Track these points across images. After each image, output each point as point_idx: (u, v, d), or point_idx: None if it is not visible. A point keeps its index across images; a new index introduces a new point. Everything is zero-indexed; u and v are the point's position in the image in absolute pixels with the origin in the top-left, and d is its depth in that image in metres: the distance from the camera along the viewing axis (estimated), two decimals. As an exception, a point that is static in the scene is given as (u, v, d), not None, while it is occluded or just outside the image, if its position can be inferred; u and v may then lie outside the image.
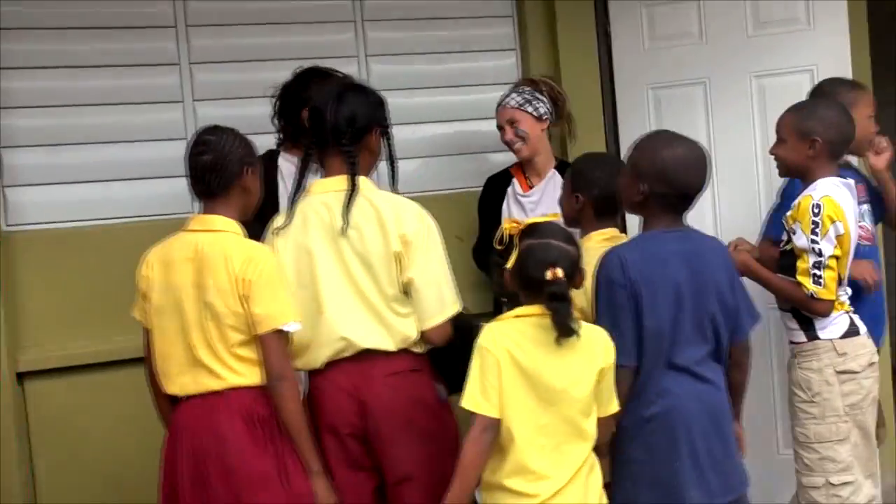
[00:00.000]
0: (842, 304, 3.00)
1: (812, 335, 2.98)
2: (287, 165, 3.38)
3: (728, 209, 4.00)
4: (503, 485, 2.33)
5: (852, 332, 2.99)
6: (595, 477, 2.41)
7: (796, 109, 3.02)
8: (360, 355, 2.61)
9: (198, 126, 3.68)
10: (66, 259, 3.61)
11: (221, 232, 2.56)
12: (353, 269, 2.61)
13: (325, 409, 2.64)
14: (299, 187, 2.71)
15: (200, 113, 3.75)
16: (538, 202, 3.56)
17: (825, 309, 2.92)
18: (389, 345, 2.62)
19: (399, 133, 3.94)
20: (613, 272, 2.54)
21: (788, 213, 2.96)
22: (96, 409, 3.57)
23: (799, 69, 3.86)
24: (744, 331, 2.70)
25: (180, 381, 2.57)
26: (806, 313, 2.96)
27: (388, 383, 2.62)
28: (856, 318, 3.04)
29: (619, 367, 2.44)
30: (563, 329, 2.30)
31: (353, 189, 2.61)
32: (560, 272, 2.31)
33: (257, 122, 3.39)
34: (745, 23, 3.93)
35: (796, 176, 3.06)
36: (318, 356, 2.63)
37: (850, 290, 3.06)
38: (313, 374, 2.67)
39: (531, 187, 3.61)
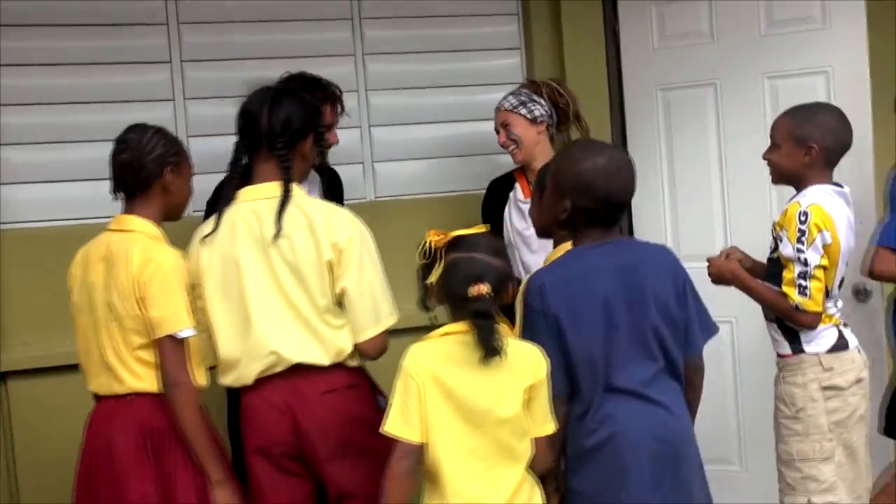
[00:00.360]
0: (830, 316, 2.85)
1: (797, 348, 2.83)
2: None
3: (737, 214, 3.84)
4: None
5: (840, 346, 2.83)
6: (537, 498, 2.28)
7: (793, 113, 2.88)
8: (293, 370, 2.50)
9: (188, 124, 3.69)
10: (54, 258, 3.55)
11: (132, 232, 2.50)
12: (283, 279, 2.50)
13: (256, 428, 2.54)
14: (224, 195, 2.61)
15: (192, 111, 3.69)
16: None
17: (811, 321, 2.77)
18: (323, 359, 2.51)
19: (397, 134, 3.93)
20: (532, 298, 2.38)
21: (776, 220, 2.82)
22: (80, 409, 3.52)
23: (813, 70, 3.68)
24: (695, 346, 2.50)
25: (97, 381, 2.55)
26: (791, 325, 2.81)
27: (324, 402, 2.51)
28: (846, 331, 2.89)
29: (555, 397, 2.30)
30: (488, 348, 2.17)
31: (286, 196, 2.51)
32: (485, 288, 2.18)
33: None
34: (758, 21, 3.76)
35: (789, 183, 2.92)
36: (249, 371, 2.52)
37: (841, 303, 2.91)
38: (244, 391, 2.56)
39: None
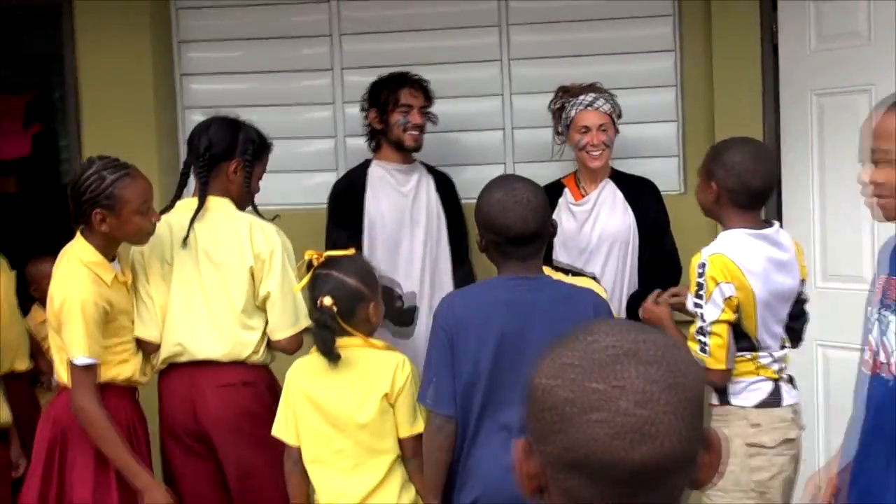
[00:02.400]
0: (763, 367, 2.65)
1: (724, 399, 2.65)
2: (377, 170, 3.58)
3: (889, 230, 3.48)
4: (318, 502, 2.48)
5: (771, 402, 2.64)
6: (406, 497, 2.49)
7: (713, 147, 2.76)
8: (198, 363, 2.83)
9: (346, 126, 4.05)
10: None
11: (69, 250, 2.83)
12: (206, 280, 2.84)
13: (165, 411, 2.90)
14: (173, 203, 3.01)
15: (348, 112, 4.03)
16: (590, 211, 3.43)
17: (716, 378, 2.59)
18: (225, 356, 2.82)
19: (541, 136, 3.97)
20: (438, 312, 2.49)
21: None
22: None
23: (976, 78, 3.25)
24: None
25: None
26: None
27: (218, 395, 2.81)
28: (785, 387, 2.67)
29: (436, 413, 2.39)
30: (324, 354, 2.44)
31: (198, 209, 2.87)
32: (328, 301, 2.44)
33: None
34: (918, 21, 3.38)
35: (713, 218, 2.78)
36: (159, 357, 2.89)
37: (779, 354, 2.68)
38: (160, 374, 2.92)
39: (583, 195, 3.47)
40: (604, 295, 2.92)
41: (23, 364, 3.51)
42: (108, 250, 2.85)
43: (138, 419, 2.94)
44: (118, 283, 2.85)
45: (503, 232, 2.39)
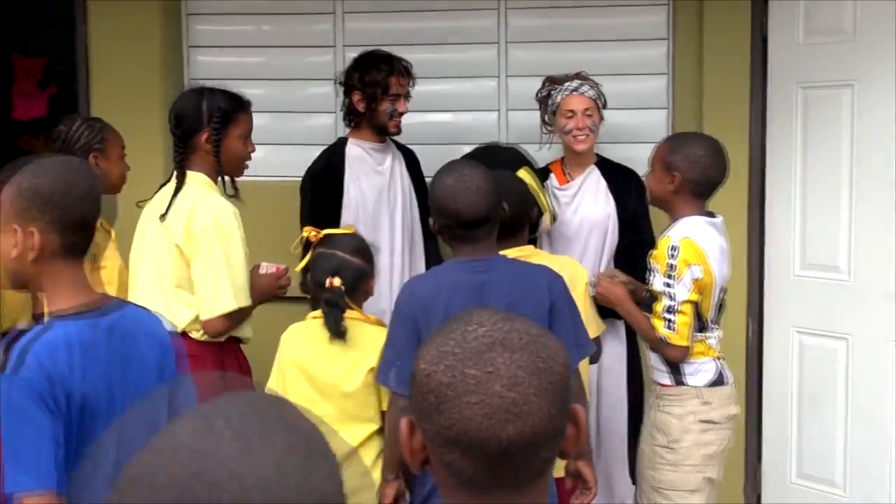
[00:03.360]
0: (710, 348, 2.84)
1: (678, 379, 2.83)
2: (354, 149, 3.65)
3: (864, 224, 3.60)
4: None
5: (718, 381, 2.85)
6: (376, 472, 2.61)
7: (670, 140, 2.93)
8: None
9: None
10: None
11: None
12: (160, 254, 2.91)
13: None
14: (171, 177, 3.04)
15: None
16: (575, 196, 3.53)
17: (677, 354, 2.78)
18: (172, 328, 2.88)
19: (534, 118, 4.09)
20: (399, 297, 2.60)
21: (651, 252, 2.83)
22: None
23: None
24: None
25: None
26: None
27: None
28: (724, 365, 2.86)
29: (400, 395, 2.48)
30: (332, 332, 2.56)
31: (178, 182, 2.94)
32: (337, 281, 2.54)
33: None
34: (899, 20, 3.46)
35: (661, 207, 2.94)
36: None
37: (720, 332, 2.87)
38: None
39: (569, 181, 3.57)
40: (583, 273, 3.04)
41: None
42: None
43: None
44: (103, 229, 3.09)
45: (454, 216, 2.48)
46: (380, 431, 2.66)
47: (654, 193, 2.92)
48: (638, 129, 4.04)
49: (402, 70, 3.57)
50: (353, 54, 3.82)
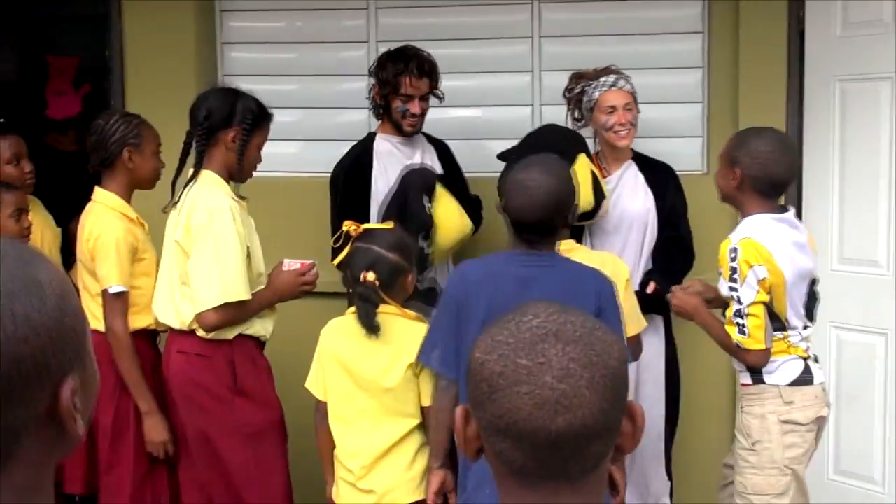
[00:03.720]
0: (794, 347, 2.75)
1: (758, 378, 2.75)
2: (383, 144, 3.65)
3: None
4: (338, 458, 2.60)
5: (804, 380, 2.73)
6: (420, 461, 2.61)
7: (737, 134, 2.84)
8: (170, 328, 3.00)
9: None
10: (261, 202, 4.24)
11: (95, 202, 3.13)
12: (170, 250, 2.97)
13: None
14: (179, 172, 3.11)
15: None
16: (614, 190, 3.51)
17: (756, 359, 2.69)
18: (175, 323, 2.95)
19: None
20: (451, 281, 2.65)
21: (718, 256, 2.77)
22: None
23: None
24: None
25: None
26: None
27: (175, 360, 2.98)
28: (814, 365, 2.76)
29: (440, 377, 2.50)
30: (365, 326, 2.55)
31: (192, 178, 2.97)
32: (371, 276, 2.53)
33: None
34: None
35: (731, 204, 2.87)
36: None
37: (805, 332, 2.77)
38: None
39: (606, 175, 3.54)
40: (624, 269, 3.01)
41: None
42: (127, 195, 3.18)
43: (160, 362, 3.20)
44: (139, 223, 3.18)
45: (511, 213, 2.52)
46: (420, 426, 2.66)
47: (721, 189, 2.86)
48: (673, 123, 4.02)
49: (417, 71, 3.51)
50: (392, 48, 3.83)
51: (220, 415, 2.95)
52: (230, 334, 2.96)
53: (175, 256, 2.97)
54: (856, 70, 3.65)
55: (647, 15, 4.04)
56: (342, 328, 2.69)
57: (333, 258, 2.89)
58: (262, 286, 3.04)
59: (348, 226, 2.68)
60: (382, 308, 2.61)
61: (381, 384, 2.61)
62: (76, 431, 0.95)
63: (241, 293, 2.89)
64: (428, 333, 2.58)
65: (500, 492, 1.15)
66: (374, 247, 2.62)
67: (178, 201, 2.98)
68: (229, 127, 3.00)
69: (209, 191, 2.95)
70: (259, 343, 3.08)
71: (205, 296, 2.87)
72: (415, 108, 3.53)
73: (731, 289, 2.69)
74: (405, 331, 2.64)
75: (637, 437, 1.14)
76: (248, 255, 2.96)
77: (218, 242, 2.87)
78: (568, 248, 2.87)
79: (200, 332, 2.94)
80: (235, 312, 2.91)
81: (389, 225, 2.74)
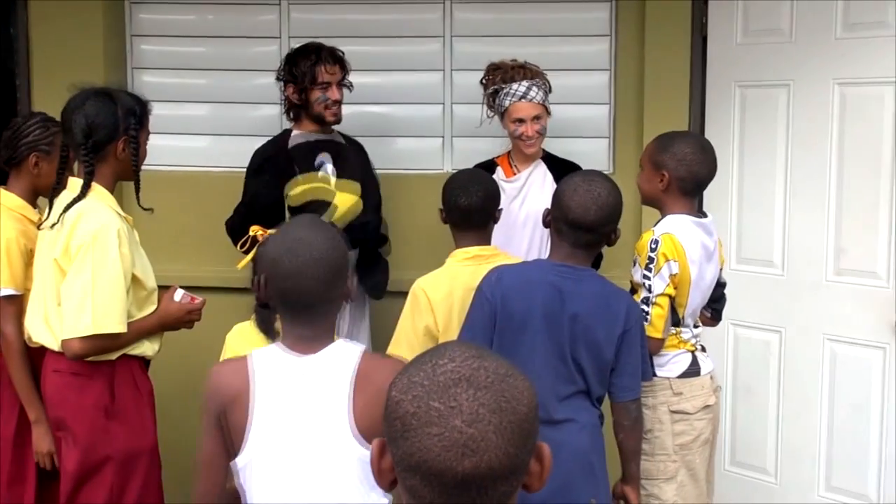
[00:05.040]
0: (684, 342, 2.90)
1: (651, 372, 2.86)
2: (298, 140, 3.65)
3: (797, 220, 3.70)
4: None
5: (692, 372, 2.89)
6: None
7: (658, 139, 2.93)
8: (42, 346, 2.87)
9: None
10: (171, 197, 4.19)
11: None
12: (46, 268, 2.83)
13: None
14: (58, 185, 2.89)
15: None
16: (521, 188, 3.58)
17: (652, 347, 2.81)
18: (53, 344, 2.82)
19: (477, 111, 4.10)
20: (486, 284, 2.66)
21: (636, 243, 2.89)
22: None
23: (882, 80, 3.44)
24: (620, 392, 2.68)
25: None
26: None
27: (51, 379, 2.87)
28: (701, 356, 2.93)
29: None
30: (263, 331, 2.60)
31: (80, 196, 2.76)
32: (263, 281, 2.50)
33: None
34: (834, 24, 3.54)
35: (652, 206, 2.97)
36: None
37: (696, 330, 2.93)
38: None
39: (515, 173, 3.62)
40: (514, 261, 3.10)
41: None
42: (31, 199, 3.12)
43: None
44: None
45: (569, 214, 2.59)
46: None
47: (645, 192, 2.96)
48: (581, 123, 4.11)
49: (329, 58, 3.58)
50: (298, 45, 3.83)
51: (92, 440, 2.83)
52: (113, 355, 2.84)
53: (52, 276, 2.80)
54: (755, 76, 3.78)
55: (556, 17, 4.11)
56: (247, 333, 2.71)
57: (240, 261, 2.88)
58: (152, 305, 2.91)
59: (255, 230, 2.68)
60: None
61: None
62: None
63: (115, 325, 2.74)
64: (460, 333, 2.65)
65: None
66: None
67: (58, 221, 2.77)
68: (116, 139, 2.81)
69: (96, 208, 2.78)
70: (144, 363, 2.97)
71: (74, 323, 2.72)
72: (334, 94, 3.59)
73: (645, 276, 2.80)
74: None
75: (544, 477, 1.19)
76: (134, 278, 2.83)
77: (97, 267, 2.71)
78: (489, 252, 2.96)
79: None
80: (105, 343, 2.77)
81: None
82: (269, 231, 2.66)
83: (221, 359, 2.73)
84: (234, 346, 2.70)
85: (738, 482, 3.86)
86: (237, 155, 4.06)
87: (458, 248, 2.99)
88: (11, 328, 2.99)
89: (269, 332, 2.59)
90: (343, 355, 2.02)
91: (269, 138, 3.78)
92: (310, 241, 2.02)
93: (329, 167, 3.59)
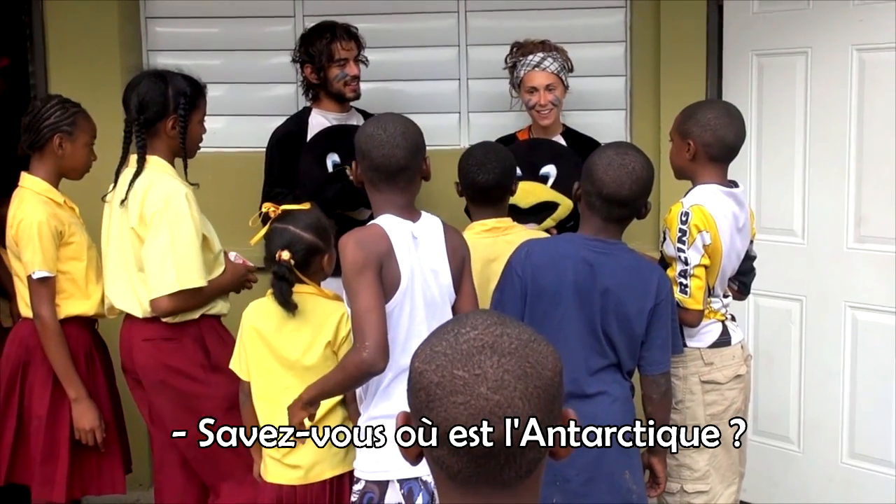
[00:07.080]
0: (714, 312, 2.87)
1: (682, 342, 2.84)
2: (318, 119, 3.67)
3: (817, 188, 3.70)
4: (261, 441, 2.62)
5: (723, 342, 2.87)
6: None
7: (684, 110, 2.88)
8: (127, 316, 2.97)
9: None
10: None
11: (21, 188, 3.11)
12: (122, 238, 2.93)
13: (119, 350, 3.07)
14: (123, 159, 3.03)
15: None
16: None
17: (692, 319, 2.79)
18: (137, 311, 2.93)
19: (493, 87, 4.10)
20: (515, 258, 2.65)
21: (664, 217, 2.85)
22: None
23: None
24: (649, 368, 2.67)
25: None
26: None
27: (142, 348, 2.95)
28: (731, 325, 2.90)
29: None
30: (281, 304, 2.61)
31: (139, 169, 2.91)
32: (286, 255, 2.59)
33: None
34: (851, -11, 3.53)
35: (685, 178, 2.91)
36: (104, 308, 3.09)
37: (725, 300, 2.90)
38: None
39: None
40: (540, 235, 3.10)
41: None
42: (55, 181, 3.15)
43: (95, 347, 3.22)
44: (67, 206, 3.16)
45: (603, 188, 2.55)
46: (342, 402, 2.70)
47: (675, 165, 2.92)
48: (598, 96, 4.10)
49: (344, 35, 3.60)
50: (312, 24, 3.83)
51: (198, 394, 2.94)
52: (195, 314, 2.95)
53: (131, 244, 2.91)
54: (772, 45, 3.76)
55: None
56: (262, 309, 2.72)
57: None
58: (221, 266, 3.02)
59: (267, 207, 2.71)
60: (299, 287, 2.65)
61: (303, 362, 2.66)
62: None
63: (197, 280, 2.87)
64: (491, 307, 2.63)
65: (438, 494, 1.20)
66: (290, 227, 2.66)
67: (129, 192, 2.89)
68: (166, 117, 2.95)
69: (161, 178, 2.92)
70: (220, 321, 3.09)
71: (160, 282, 2.84)
72: (352, 69, 3.61)
73: (679, 250, 2.76)
74: (322, 310, 2.68)
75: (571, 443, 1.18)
76: (203, 240, 2.93)
77: (173, 229, 2.84)
78: (505, 224, 2.97)
79: (167, 318, 2.91)
80: (190, 299, 2.89)
81: (306, 206, 2.77)
82: (282, 207, 2.69)
83: (238, 339, 2.75)
84: (252, 322, 2.72)
85: (761, 451, 3.87)
86: (253, 135, 4.08)
87: (474, 221, 2.98)
88: (47, 310, 3.03)
89: (287, 305, 2.62)
90: (433, 221, 2.56)
91: (286, 117, 3.79)
92: (395, 120, 2.50)
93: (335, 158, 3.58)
